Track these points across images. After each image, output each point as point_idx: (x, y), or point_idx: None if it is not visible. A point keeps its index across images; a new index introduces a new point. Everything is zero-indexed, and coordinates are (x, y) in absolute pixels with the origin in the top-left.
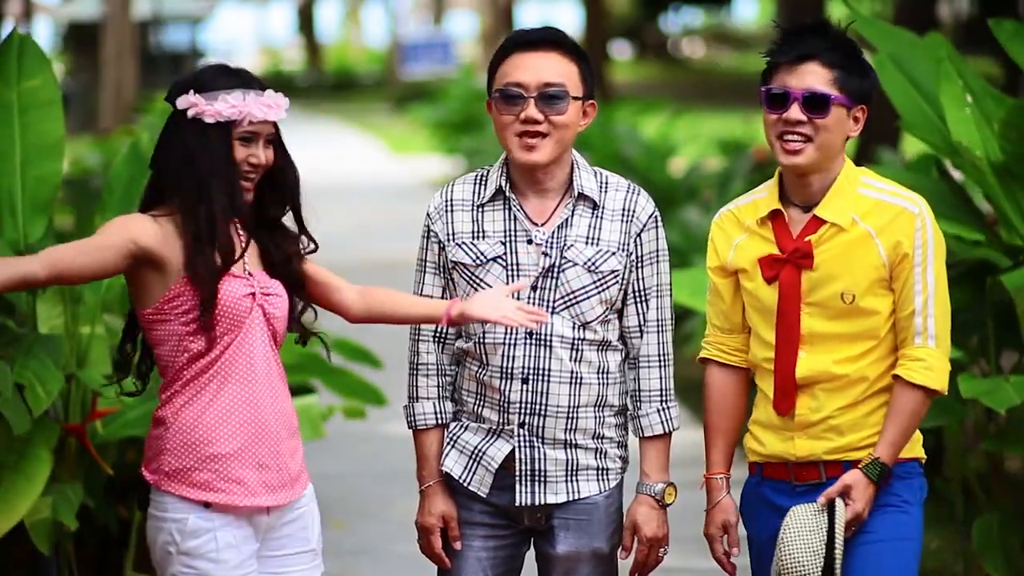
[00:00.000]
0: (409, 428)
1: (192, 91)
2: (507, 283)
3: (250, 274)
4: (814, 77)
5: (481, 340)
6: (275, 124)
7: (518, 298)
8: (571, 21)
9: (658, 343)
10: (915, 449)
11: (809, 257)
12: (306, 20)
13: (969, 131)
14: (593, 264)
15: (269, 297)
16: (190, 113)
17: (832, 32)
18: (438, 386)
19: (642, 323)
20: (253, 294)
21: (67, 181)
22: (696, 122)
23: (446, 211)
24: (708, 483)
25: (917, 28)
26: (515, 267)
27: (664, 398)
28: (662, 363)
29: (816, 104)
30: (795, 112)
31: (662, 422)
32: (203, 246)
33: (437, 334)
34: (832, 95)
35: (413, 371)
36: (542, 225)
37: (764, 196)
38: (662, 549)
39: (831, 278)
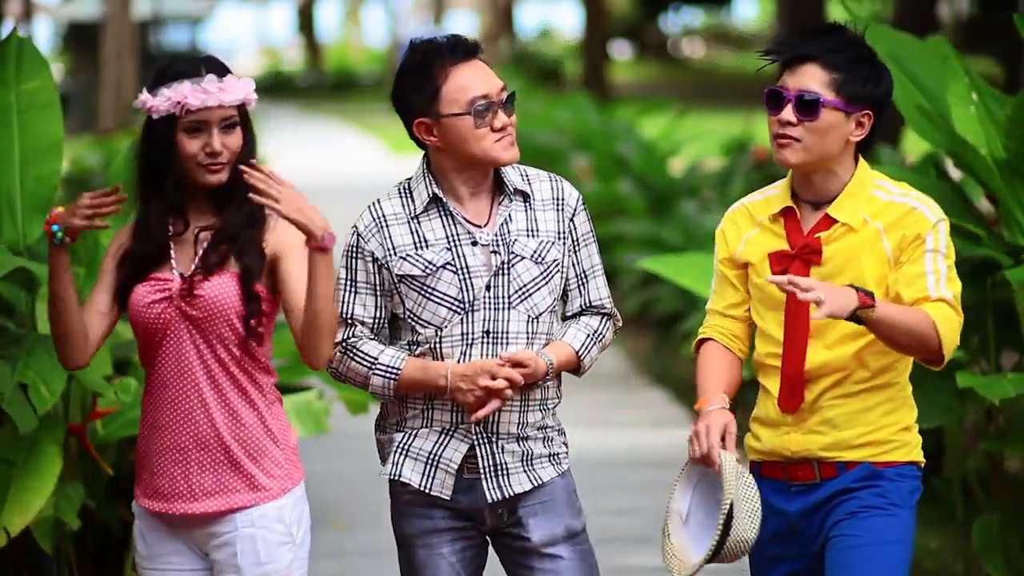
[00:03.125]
0: (390, 397)
1: (145, 88)
2: (460, 287)
3: (182, 275)
4: (811, 79)
5: (437, 344)
6: (240, 108)
7: (474, 299)
8: (571, 21)
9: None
10: (912, 453)
11: (818, 253)
12: (306, 20)
13: (974, 129)
14: (539, 256)
15: (192, 298)
16: (144, 109)
17: (842, 35)
18: (379, 341)
19: (586, 306)
20: (169, 298)
21: (67, 181)
22: (697, 122)
23: (380, 228)
24: (701, 408)
25: (917, 29)
26: (465, 270)
27: (597, 338)
28: (608, 313)
29: (807, 106)
30: (787, 113)
31: (585, 345)
32: (129, 251)
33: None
34: (823, 98)
35: (350, 357)
36: (484, 226)
37: (776, 193)
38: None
39: (838, 273)
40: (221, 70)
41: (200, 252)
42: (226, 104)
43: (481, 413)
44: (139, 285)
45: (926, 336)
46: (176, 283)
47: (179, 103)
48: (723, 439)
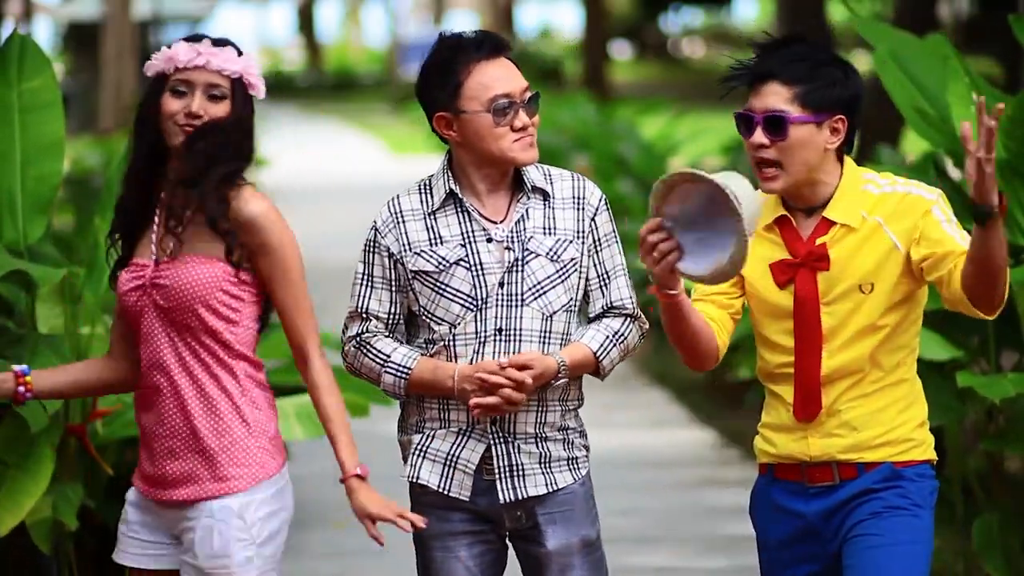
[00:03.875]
0: (401, 396)
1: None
2: (473, 284)
3: (156, 261)
4: (774, 97)
5: (451, 342)
6: (236, 82)
7: (486, 296)
8: (571, 21)
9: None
10: (928, 452)
11: (825, 260)
12: (306, 20)
13: (974, 129)
14: (555, 253)
15: (159, 288)
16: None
17: (799, 46)
18: (395, 339)
19: (607, 307)
20: (142, 286)
21: (67, 181)
22: (696, 122)
23: (397, 223)
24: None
25: (917, 28)
26: (479, 267)
27: (617, 340)
28: (632, 315)
29: (773, 126)
30: (758, 136)
31: (604, 346)
32: (112, 228)
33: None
34: (789, 116)
35: (363, 353)
36: (500, 222)
37: (766, 200)
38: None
39: (845, 274)
40: (223, 43)
41: (181, 236)
42: (212, 67)
43: (476, 402)
44: (123, 271)
45: (1003, 268)
46: (150, 269)
47: (170, 59)
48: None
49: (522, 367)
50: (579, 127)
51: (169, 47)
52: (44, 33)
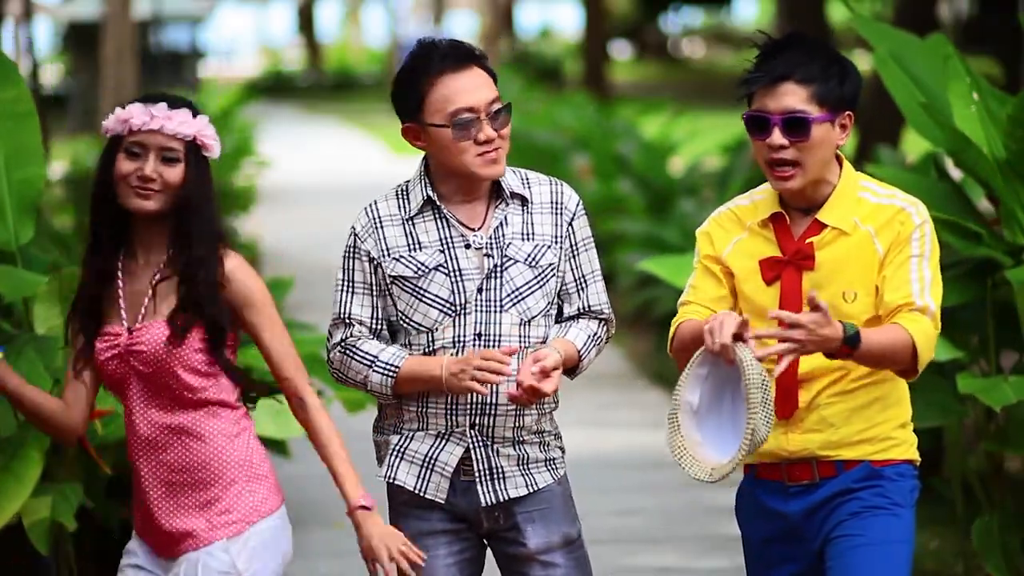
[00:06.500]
0: (388, 395)
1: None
2: (452, 289)
3: (130, 330)
4: (791, 97)
5: (430, 349)
6: (190, 144)
7: (465, 302)
8: (571, 21)
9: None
10: (909, 451)
11: (811, 259)
12: (306, 20)
13: (975, 129)
14: (533, 259)
15: (136, 353)
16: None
17: (806, 44)
18: (380, 340)
19: (584, 310)
20: (119, 354)
21: (67, 181)
22: (696, 122)
23: (376, 228)
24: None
25: (917, 28)
26: (458, 273)
27: (596, 342)
28: (605, 319)
29: (796, 127)
30: (777, 137)
31: (586, 345)
32: (78, 296)
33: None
34: (811, 116)
35: (350, 356)
36: (478, 229)
37: (763, 199)
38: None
39: (831, 279)
40: (179, 104)
41: (149, 303)
42: (167, 131)
43: (512, 394)
44: (97, 341)
45: (902, 359)
46: (123, 337)
47: (125, 121)
48: (739, 336)
49: (550, 368)
50: (579, 127)
51: (124, 107)
52: (44, 33)
